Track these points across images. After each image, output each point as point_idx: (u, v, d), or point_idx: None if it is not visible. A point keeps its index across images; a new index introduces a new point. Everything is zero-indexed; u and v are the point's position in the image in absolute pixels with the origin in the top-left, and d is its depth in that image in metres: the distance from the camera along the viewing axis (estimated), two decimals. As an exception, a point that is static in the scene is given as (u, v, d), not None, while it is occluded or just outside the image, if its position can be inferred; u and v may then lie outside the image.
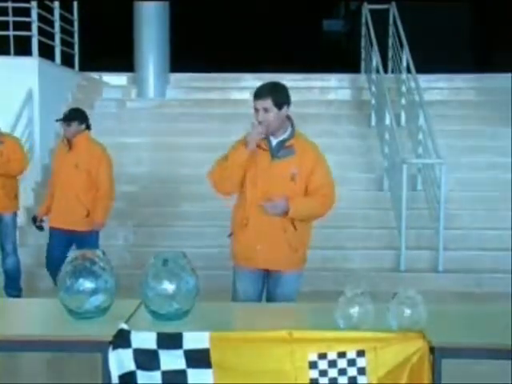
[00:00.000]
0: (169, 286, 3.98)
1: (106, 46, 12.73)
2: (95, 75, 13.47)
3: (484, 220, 10.08)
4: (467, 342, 3.76)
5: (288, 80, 13.25)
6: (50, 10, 12.13)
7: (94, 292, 4.03)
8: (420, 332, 3.76)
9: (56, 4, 12.23)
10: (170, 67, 13.76)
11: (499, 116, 11.60)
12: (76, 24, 13.35)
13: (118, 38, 13.45)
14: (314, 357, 3.68)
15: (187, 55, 13.58)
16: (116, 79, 13.61)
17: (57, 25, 12.29)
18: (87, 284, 4.03)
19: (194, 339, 3.67)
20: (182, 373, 3.65)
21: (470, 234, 9.72)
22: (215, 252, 9.48)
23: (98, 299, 4.05)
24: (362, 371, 3.69)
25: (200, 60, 13.58)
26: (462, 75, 13.82)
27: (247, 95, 13.26)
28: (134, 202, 10.36)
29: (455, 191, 10.26)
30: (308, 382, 3.68)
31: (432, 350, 3.73)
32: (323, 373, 3.67)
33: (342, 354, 3.68)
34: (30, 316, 4.53)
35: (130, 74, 13.64)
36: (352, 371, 3.68)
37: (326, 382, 3.67)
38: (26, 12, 11.21)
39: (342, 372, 3.67)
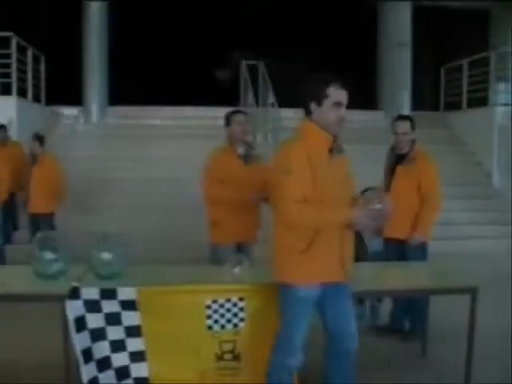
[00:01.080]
0: (107, 256, 3.99)
1: (62, 87, 12.49)
2: (56, 108, 13.20)
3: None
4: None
5: (190, 111, 13.37)
6: (24, 63, 12.02)
7: (55, 261, 4.03)
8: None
9: (29, 59, 12.14)
10: (108, 102, 13.58)
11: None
12: (43, 71, 13.16)
13: (71, 81, 13.21)
14: (209, 302, 3.75)
15: (121, 93, 13.40)
16: (70, 110, 13.37)
17: (29, 75, 12.15)
18: (50, 255, 4.02)
19: (126, 293, 3.69)
20: (118, 314, 3.67)
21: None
22: (140, 232, 9.47)
23: (58, 266, 4.06)
24: (241, 310, 3.83)
25: (131, 96, 13.41)
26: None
27: (162, 121, 13.26)
28: (83, 197, 10.17)
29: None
30: (205, 316, 3.77)
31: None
32: (215, 311, 3.79)
33: (228, 300, 3.77)
34: (10, 278, 4.44)
35: (79, 107, 13.43)
36: (235, 310, 3.81)
37: (217, 316, 3.79)
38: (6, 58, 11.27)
39: (228, 310, 3.79)
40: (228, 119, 5.40)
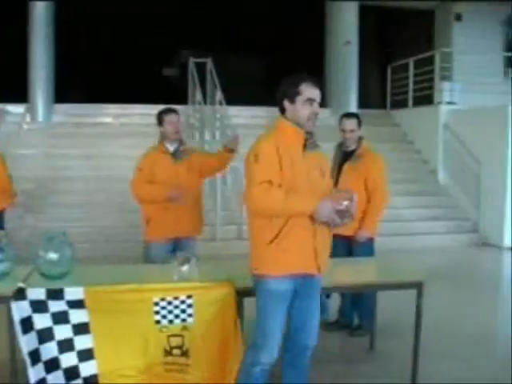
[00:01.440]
0: (53, 256, 3.93)
1: (8, 83, 12.21)
2: (1, 105, 12.91)
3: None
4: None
5: (138, 109, 13.25)
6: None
7: (0, 261, 3.95)
8: (229, 281, 3.86)
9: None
10: (54, 99, 13.34)
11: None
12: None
13: (17, 79, 12.94)
14: (157, 300, 3.76)
15: (67, 90, 13.22)
16: (16, 108, 13.07)
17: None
18: (-5, 255, 3.96)
19: (73, 293, 3.65)
20: (65, 313, 3.63)
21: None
22: (86, 231, 9.37)
23: (3, 266, 3.97)
24: (189, 306, 3.81)
25: (76, 94, 13.26)
26: (258, 107, 14.05)
27: (110, 119, 13.11)
28: (30, 196, 9.99)
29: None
30: (153, 312, 3.76)
31: (238, 292, 3.84)
32: (163, 307, 3.78)
33: (176, 298, 3.77)
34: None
35: (25, 105, 13.14)
36: (183, 306, 3.80)
37: (165, 312, 3.78)
38: None
39: (176, 307, 3.79)
40: (160, 118, 5.41)
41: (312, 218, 3.36)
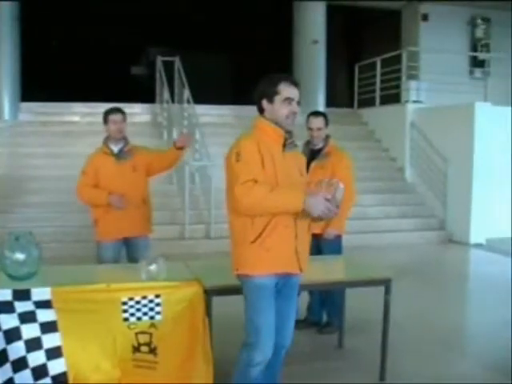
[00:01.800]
0: (20, 256, 3.87)
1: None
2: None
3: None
4: (230, 284, 3.86)
5: (106, 108, 13.08)
6: None
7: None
8: (197, 280, 3.86)
9: None
10: (20, 98, 13.17)
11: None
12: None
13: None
14: (125, 299, 3.74)
15: (34, 89, 13.04)
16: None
17: None
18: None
19: (40, 293, 3.61)
20: (32, 312, 3.60)
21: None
22: (53, 230, 9.28)
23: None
24: (158, 305, 3.81)
25: (43, 92, 13.08)
26: (225, 106, 14.07)
27: (77, 118, 12.98)
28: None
29: (221, 184, 10.40)
30: (121, 311, 3.75)
31: (206, 291, 3.83)
32: (131, 306, 3.77)
33: (144, 297, 3.77)
34: None
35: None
36: (151, 305, 3.79)
37: (134, 310, 3.77)
38: None
39: (144, 305, 3.77)
40: (105, 118, 5.42)
41: (295, 216, 3.34)
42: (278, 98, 3.40)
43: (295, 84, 3.47)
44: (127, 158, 5.34)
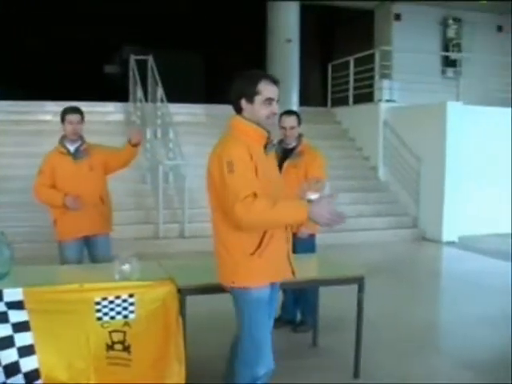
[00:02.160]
0: (-9, 256, 3.83)
1: None
2: None
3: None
4: (204, 283, 3.85)
5: (80, 106, 12.97)
6: None
7: None
8: (171, 279, 3.85)
9: None
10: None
11: (221, 132, 11.74)
12: None
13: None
14: (98, 299, 3.72)
15: (6, 88, 12.88)
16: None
17: None
18: None
19: (12, 294, 3.58)
20: (4, 313, 3.57)
21: (206, 211, 9.87)
22: (25, 230, 9.18)
23: None
24: (131, 304, 3.78)
25: (16, 91, 12.92)
26: (198, 105, 14.03)
27: (50, 117, 12.82)
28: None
29: (195, 183, 10.38)
30: (94, 310, 3.72)
31: (179, 290, 3.82)
32: (105, 306, 3.74)
33: (118, 297, 3.74)
34: None
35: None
36: (125, 305, 3.77)
37: (107, 310, 3.74)
38: None
39: (118, 310, 3.73)
40: (62, 117, 5.37)
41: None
42: (258, 99, 3.20)
43: (275, 82, 3.26)
44: (84, 158, 5.34)
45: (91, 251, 5.45)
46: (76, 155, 5.32)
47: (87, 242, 5.41)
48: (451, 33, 16.49)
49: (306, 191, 3.15)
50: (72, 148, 5.33)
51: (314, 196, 3.10)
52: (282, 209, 3.01)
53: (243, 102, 3.24)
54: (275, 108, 3.26)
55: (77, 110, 5.38)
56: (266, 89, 3.21)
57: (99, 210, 5.40)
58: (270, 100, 3.21)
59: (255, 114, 3.23)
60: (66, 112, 5.35)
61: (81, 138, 5.40)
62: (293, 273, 3.43)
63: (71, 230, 5.29)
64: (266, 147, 3.30)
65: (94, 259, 5.42)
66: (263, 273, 3.24)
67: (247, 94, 3.22)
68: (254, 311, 3.26)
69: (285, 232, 3.32)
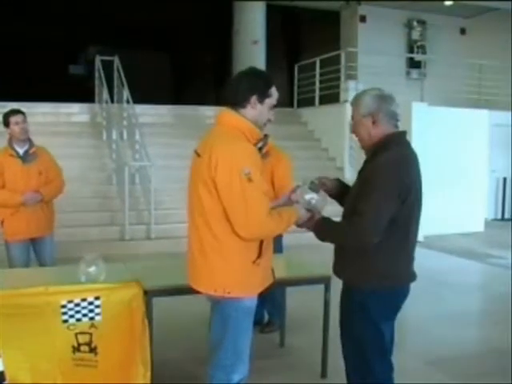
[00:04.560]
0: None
1: None
2: None
3: (182, 204, 10.21)
4: (171, 285, 3.84)
5: (43, 108, 12.89)
6: None
7: None
8: (137, 281, 3.82)
9: None
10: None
11: (187, 133, 11.68)
12: None
13: None
14: (64, 302, 3.68)
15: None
16: None
17: None
18: None
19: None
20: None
21: (172, 213, 9.84)
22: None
23: None
24: (98, 307, 3.75)
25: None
26: (164, 105, 13.97)
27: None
28: None
29: (162, 184, 10.35)
30: (60, 313, 3.68)
31: (146, 292, 3.80)
32: (71, 309, 3.70)
33: (84, 299, 3.71)
34: None
35: None
36: (91, 307, 3.73)
37: (73, 312, 3.70)
38: None
39: (84, 312, 3.70)
40: (6, 120, 5.38)
41: None
42: (268, 101, 3.10)
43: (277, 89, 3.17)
44: (32, 161, 5.37)
45: (38, 252, 5.52)
46: (25, 158, 5.34)
47: (33, 243, 5.48)
48: (416, 35, 16.71)
49: (302, 193, 3.20)
50: (21, 151, 5.36)
51: (309, 196, 3.18)
52: (286, 218, 3.04)
53: (253, 99, 3.06)
54: (273, 115, 3.18)
55: (19, 111, 5.42)
56: (275, 94, 3.13)
57: (45, 212, 5.48)
58: (274, 106, 3.15)
59: (259, 115, 3.10)
60: (8, 115, 5.37)
61: (29, 140, 5.42)
62: (274, 276, 3.36)
63: (19, 231, 5.34)
64: (260, 149, 3.22)
65: (40, 260, 5.50)
66: (259, 281, 3.16)
67: (262, 93, 3.07)
68: (242, 319, 3.15)
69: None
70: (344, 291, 3.25)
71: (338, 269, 3.27)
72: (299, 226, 3.23)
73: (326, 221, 3.18)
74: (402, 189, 2.96)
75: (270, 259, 3.25)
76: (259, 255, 3.07)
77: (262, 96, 3.07)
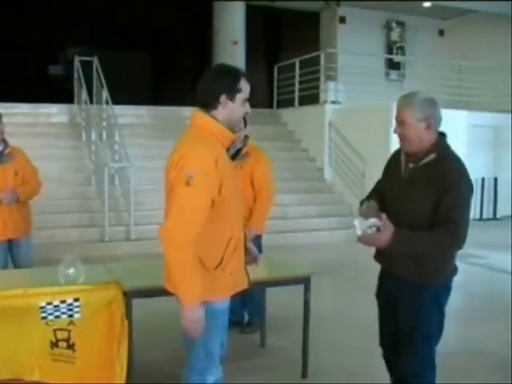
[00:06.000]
0: None
1: None
2: None
3: (162, 205, 10.17)
4: (150, 286, 3.83)
5: (22, 108, 12.79)
6: None
7: None
8: (117, 282, 3.82)
9: None
10: None
11: (167, 134, 11.66)
12: None
13: None
14: (43, 304, 3.67)
15: None
16: None
17: None
18: None
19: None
20: None
21: (152, 214, 9.83)
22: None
23: None
24: (77, 310, 3.74)
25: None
26: (144, 106, 13.94)
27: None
28: None
29: (141, 185, 10.32)
30: (39, 318, 3.67)
31: (125, 293, 3.80)
32: (50, 311, 3.69)
33: (63, 301, 3.71)
34: None
35: None
36: (70, 310, 3.73)
37: (52, 310, 3.69)
38: None
39: (63, 311, 3.71)
40: None
41: (243, 227, 3.20)
42: (239, 97, 2.99)
43: (248, 79, 3.06)
44: (8, 162, 5.32)
45: (15, 254, 5.48)
46: (0, 159, 5.30)
47: (10, 245, 5.43)
48: (395, 36, 16.81)
49: (366, 214, 3.35)
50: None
51: (371, 221, 3.34)
52: (189, 278, 2.90)
53: (223, 98, 2.97)
54: (249, 107, 3.09)
55: None
56: (245, 87, 3.03)
57: (22, 213, 5.44)
58: (247, 100, 3.05)
59: (233, 112, 3.00)
60: None
61: (4, 141, 5.37)
62: (249, 281, 3.28)
63: None
64: (228, 149, 3.09)
65: (16, 262, 5.46)
66: (226, 287, 3.09)
67: (230, 90, 2.97)
68: (212, 323, 3.07)
69: (242, 240, 3.17)
70: (410, 288, 3.34)
71: (403, 268, 3.36)
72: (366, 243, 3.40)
73: (405, 232, 3.19)
74: (471, 194, 3.24)
75: (241, 264, 3.15)
76: (221, 260, 2.98)
77: (232, 93, 2.97)
